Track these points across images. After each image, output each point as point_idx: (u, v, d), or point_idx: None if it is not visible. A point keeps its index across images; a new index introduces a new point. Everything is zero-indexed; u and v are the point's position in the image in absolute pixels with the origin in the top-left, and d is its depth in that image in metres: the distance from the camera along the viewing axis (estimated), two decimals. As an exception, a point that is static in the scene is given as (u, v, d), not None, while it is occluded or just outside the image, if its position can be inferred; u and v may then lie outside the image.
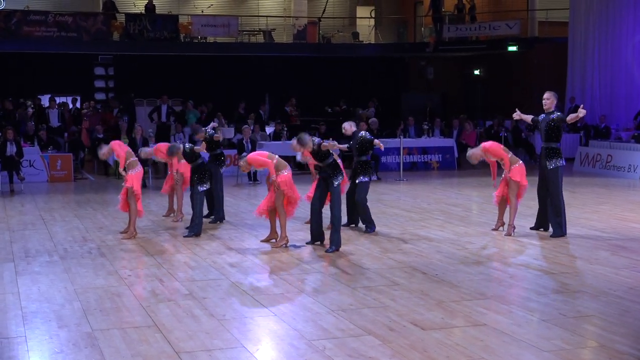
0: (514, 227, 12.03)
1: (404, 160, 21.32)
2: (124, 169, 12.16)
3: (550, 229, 11.99)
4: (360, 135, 12.48)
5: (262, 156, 11.24)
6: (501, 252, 10.98)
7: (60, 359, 6.57)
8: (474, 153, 12.29)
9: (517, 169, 11.91)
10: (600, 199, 16.12)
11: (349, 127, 12.74)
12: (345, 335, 7.08)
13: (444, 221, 13.31)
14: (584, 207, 14.91)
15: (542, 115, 11.97)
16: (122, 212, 12.55)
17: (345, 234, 12.12)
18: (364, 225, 12.57)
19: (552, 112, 11.83)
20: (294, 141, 10.99)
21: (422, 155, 22.59)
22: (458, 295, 8.46)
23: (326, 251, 10.85)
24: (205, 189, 12.17)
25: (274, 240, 11.39)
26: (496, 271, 9.69)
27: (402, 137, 21.40)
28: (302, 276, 9.44)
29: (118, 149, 12.34)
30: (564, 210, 11.92)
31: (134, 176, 11.99)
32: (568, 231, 11.99)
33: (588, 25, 26.25)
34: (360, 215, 12.60)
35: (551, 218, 11.94)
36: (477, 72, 32.22)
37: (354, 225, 12.83)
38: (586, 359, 6.54)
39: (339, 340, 6.93)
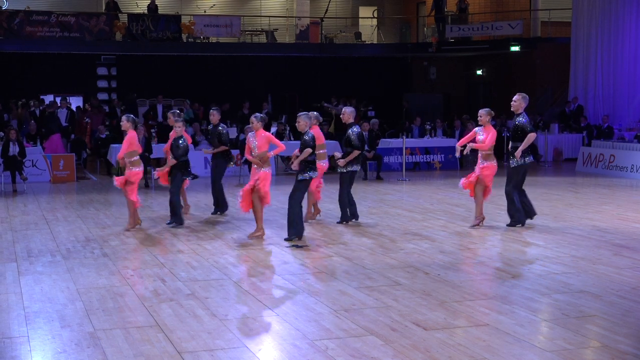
0: (483, 218, 12.69)
1: (407, 160, 21.33)
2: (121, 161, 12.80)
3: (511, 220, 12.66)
4: (350, 131, 12.80)
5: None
6: (503, 252, 10.97)
7: (63, 358, 6.58)
8: (486, 115, 12.61)
9: (490, 166, 12.54)
10: (603, 199, 16.10)
11: (349, 113, 12.95)
12: (347, 335, 7.08)
13: (447, 221, 13.30)
14: (586, 207, 14.90)
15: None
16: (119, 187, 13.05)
17: (348, 233, 12.14)
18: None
19: (520, 114, 12.51)
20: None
21: (424, 155, 22.58)
22: (460, 296, 8.46)
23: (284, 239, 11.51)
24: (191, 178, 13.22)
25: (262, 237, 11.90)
26: (498, 271, 9.69)
27: (404, 137, 21.40)
28: (304, 276, 9.44)
29: (125, 144, 12.75)
30: (518, 202, 12.59)
31: (133, 173, 12.64)
32: (571, 231, 12.11)
33: (590, 25, 26.24)
34: (340, 204, 13.13)
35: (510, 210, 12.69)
36: (479, 72, 32.21)
37: (354, 220, 13.23)
38: (589, 359, 6.53)
39: (341, 341, 6.93)
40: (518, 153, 12.38)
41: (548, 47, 28.87)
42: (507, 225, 12.62)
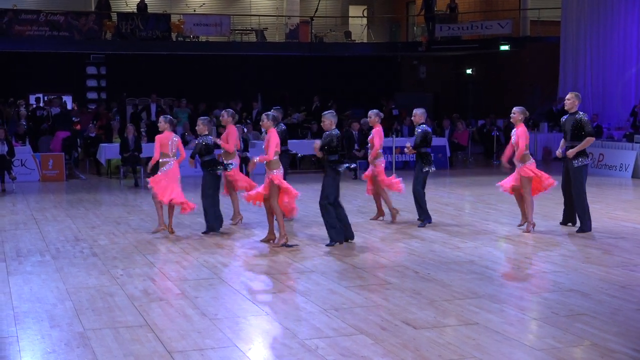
0: (534, 224, 12.17)
1: (396, 159, 21.33)
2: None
3: (578, 224, 12.29)
4: (421, 129, 12.89)
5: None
6: (493, 251, 10.99)
7: (52, 358, 6.55)
8: (520, 114, 12.12)
9: (529, 166, 12.02)
10: (592, 198, 16.06)
11: (421, 114, 13.04)
12: (337, 334, 7.08)
13: (436, 220, 13.29)
14: (575, 206, 14.92)
15: (565, 116, 12.30)
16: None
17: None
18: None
19: (576, 112, 12.10)
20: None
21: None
22: (450, 294, 8.47)
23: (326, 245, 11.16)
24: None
25: (273, 241, 11.35)
26: (488, 270, 9.70)
27: (394, 136, 21.40)
28: (294, 275, 9.44)
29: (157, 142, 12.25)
30: (588, 206, 12.18)
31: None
32: (560, 230, 12.22)
33: (580, 25, 26.31)
34: (416, 205, 12.94)
35: (578, 215, 12.22)
36: (469, 71, 32.27)
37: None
38: (578, 357, 6.55)
39: (332, 340, 6.93)
40: (572, 153, 11.94)
41: (537, 47, 28.93)
42: (577, 231, 12.13)
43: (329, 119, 11.06)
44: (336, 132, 11.06)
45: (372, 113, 13.25)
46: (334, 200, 11.12)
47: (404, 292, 8.56)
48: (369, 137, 13.28)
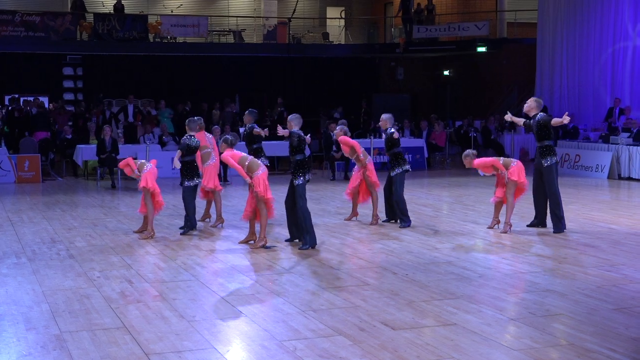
0: (511, 225, 12.22)
1: (375, 161, 21.35)
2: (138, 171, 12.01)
3: (550, 225, 12.32)
4: (388, 132, 12.94)
5: (234, 157, 11.09)
6: (470, 252, 11.02)
7: (28, 361, 6.51)
8: (466, 159, 12.43)
9: (514, 168, 12.14)
10: (568, 199, 16.22)
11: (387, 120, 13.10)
12: (315, 335, 7.08)
13: (414, 221, 13.32)
14: (552, 206, 15.01)
15: (532, 120, 12.45)
16: (141, 214, 12.41)
17: (315, 234, 12.12)
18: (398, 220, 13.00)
19: (535, 115, 12.31)
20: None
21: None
22: (428, 295, 8.49)
23: (299, 248, 10.93)
24: (193, 184, 12.21)
25: (252, 242, 11.33)
26: (466, 271, 9.73)
27: (372, 137, 21.44)
28: (272, 277, 9.43)
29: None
30: (562, 205, 12.31)
31: (147, 175, 11.85)
32: (537, 231, 12.27)
33: (556, 26, 26.48)
34: (397, 209, 12.94)
35: (552, 215, 12.25)
36: (446, 72, 32.39)
37: (393, 221, 13.14)
38: (555, 357, 6.58)
39: (310, 341, 6.92)
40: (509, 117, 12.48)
41: (514, 48, 29.11)
42: (553, 232, 12.20)
43: (294, 122, 11.11)
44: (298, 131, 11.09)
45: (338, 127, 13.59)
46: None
47: (382, 293, 8.57)
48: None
